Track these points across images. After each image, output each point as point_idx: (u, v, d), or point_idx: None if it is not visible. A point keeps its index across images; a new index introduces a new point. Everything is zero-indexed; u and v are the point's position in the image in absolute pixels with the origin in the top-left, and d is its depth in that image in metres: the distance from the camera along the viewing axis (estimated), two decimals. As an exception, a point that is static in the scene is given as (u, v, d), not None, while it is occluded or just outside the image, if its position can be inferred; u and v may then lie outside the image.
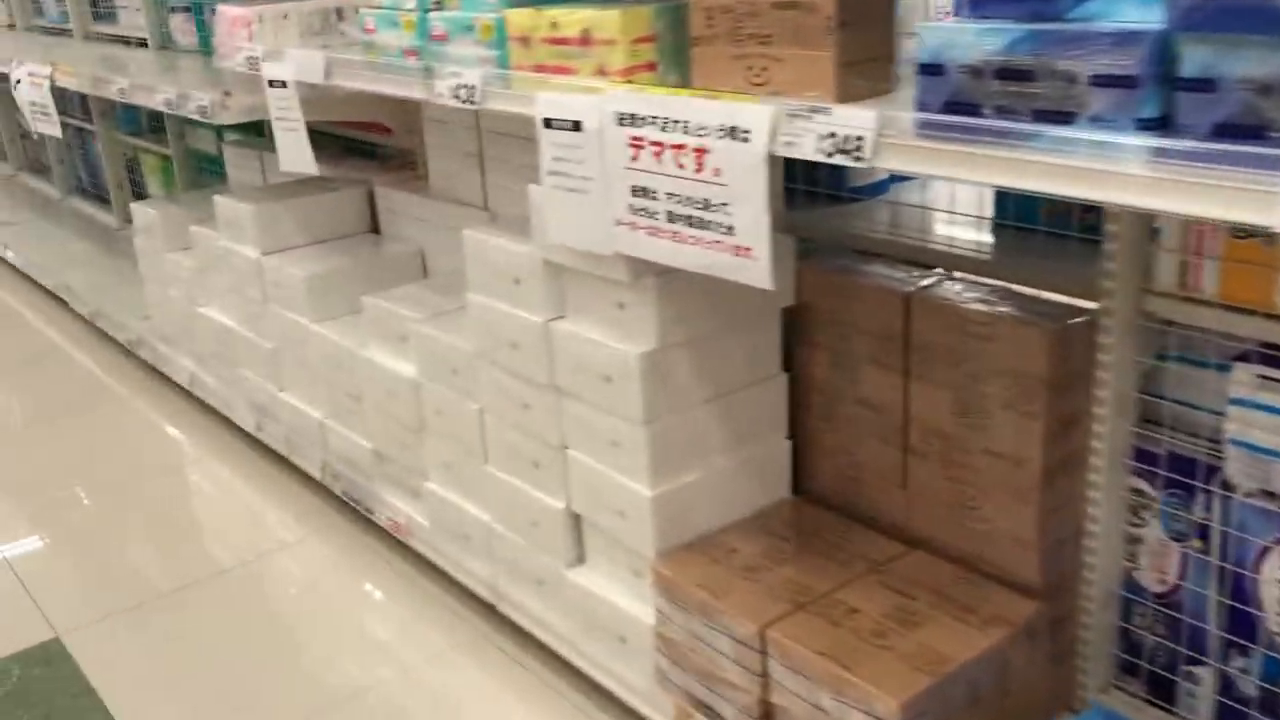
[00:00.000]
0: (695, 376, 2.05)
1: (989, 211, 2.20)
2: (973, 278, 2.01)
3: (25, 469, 3.60)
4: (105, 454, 3.65)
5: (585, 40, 1.81)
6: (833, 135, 1.42)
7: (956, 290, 1.94)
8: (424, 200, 3.09)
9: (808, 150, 1.45)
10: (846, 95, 1.59)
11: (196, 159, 4.95)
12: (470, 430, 2.47)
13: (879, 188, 2.44)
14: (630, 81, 1.78)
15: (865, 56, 1.64)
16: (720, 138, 1.56)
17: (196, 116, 3.07)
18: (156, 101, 3.28)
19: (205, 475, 3.46)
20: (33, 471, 3.57)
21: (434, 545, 2.73)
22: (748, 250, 1.57)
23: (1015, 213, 2.12)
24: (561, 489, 2.26)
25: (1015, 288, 1.94)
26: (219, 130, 4.61)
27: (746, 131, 1.52)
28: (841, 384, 2.12)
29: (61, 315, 4.96)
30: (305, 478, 3.26)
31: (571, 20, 1.82)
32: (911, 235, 2.18)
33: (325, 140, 3.32)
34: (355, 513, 3.04)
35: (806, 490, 2.26)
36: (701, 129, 1.58)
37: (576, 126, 1.79)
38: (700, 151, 1.59)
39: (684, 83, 1.78)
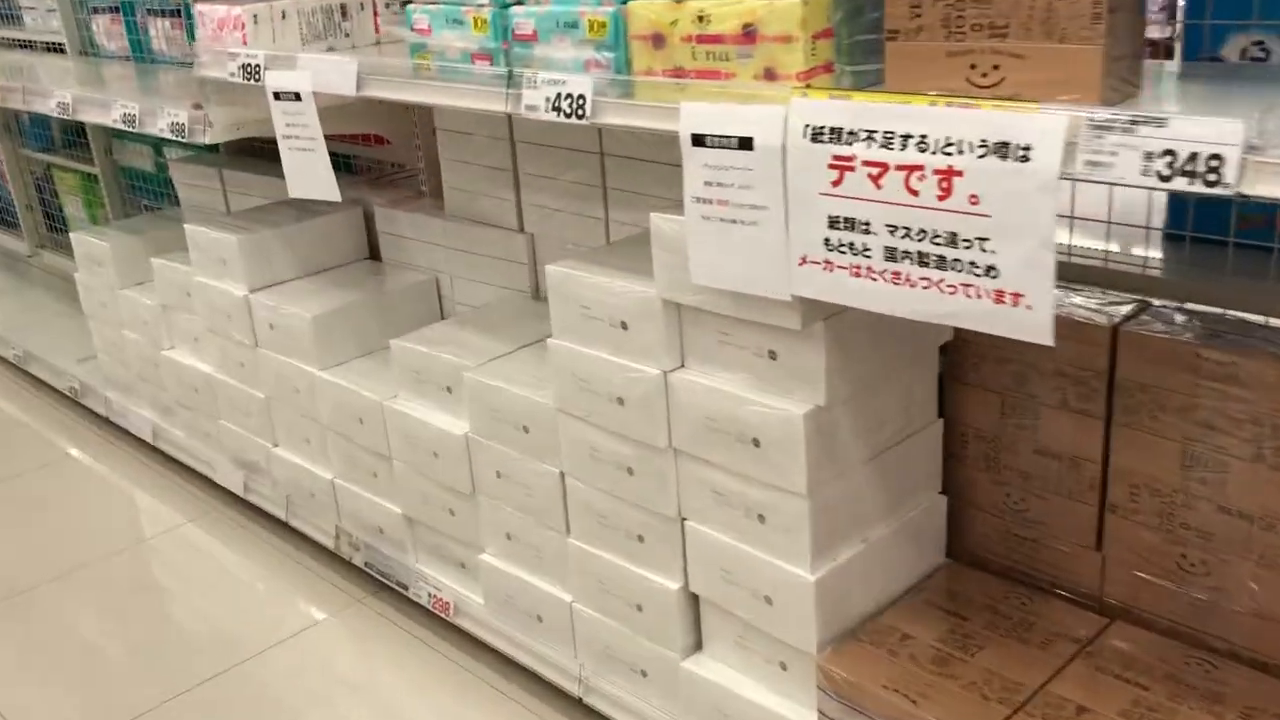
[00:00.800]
0: (855, 433, 1.72)
1: (1145, 219, 1.92)
2: (1174, 303, 1.73)
3: (-35, 548, 3.10)
4: (60, 527, 3.16)
5: (748, 37, 1.47)
6: (1170, 154, 1.11)
7: (1172, 320, 1.65)
8: (439, 222, 2.70)
9: (1128, 173, 1.13)
10: (1109, 98, 1.29)
11: (127, 177, 4.43)
12: (546, 497, 2.11)
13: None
14: (809, 87, 1.45)
15: (1129, 51, 1.34)
16: (981, 156, 1.23)
17: (169, 136, 2.62)
18: (112, 118, 2.81)
19: (187, 547, 3.01)
20: (-25, 551, 3.07)
21: (492, 626, 2.35)
22: (1018, 296, 1.25)
23: (1195, 222, 1.84)
24: (677, 567, 1.92)
25: (1239, 315, 1.67)
26: (157, 144, 4.12)
27: (1025, 148, 1.20)
28: (1013, 431, 1.82)
29: (-22, 358, 4.40)
30: (314, 546, 2.84)
31: (729, 12, 1.48)
32: (1079, 253, 1.89)
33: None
34: (381, 586, 2.64)
35: (960, 552, 1.95)
36: (951, 145, 1.26)
37: (745, 144, 1.45)
38: (948, 173, 1.26)
39: (867, 87, 1.45)
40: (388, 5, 2.46)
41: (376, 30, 2.46)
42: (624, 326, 1.83)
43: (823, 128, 1.36)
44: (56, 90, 3.09)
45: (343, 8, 2.40)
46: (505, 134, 2.49)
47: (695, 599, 1.94)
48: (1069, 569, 1.82)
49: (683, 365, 1.80)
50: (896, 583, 1.86)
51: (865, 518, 1.78)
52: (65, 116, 3.03)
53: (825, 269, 1.42)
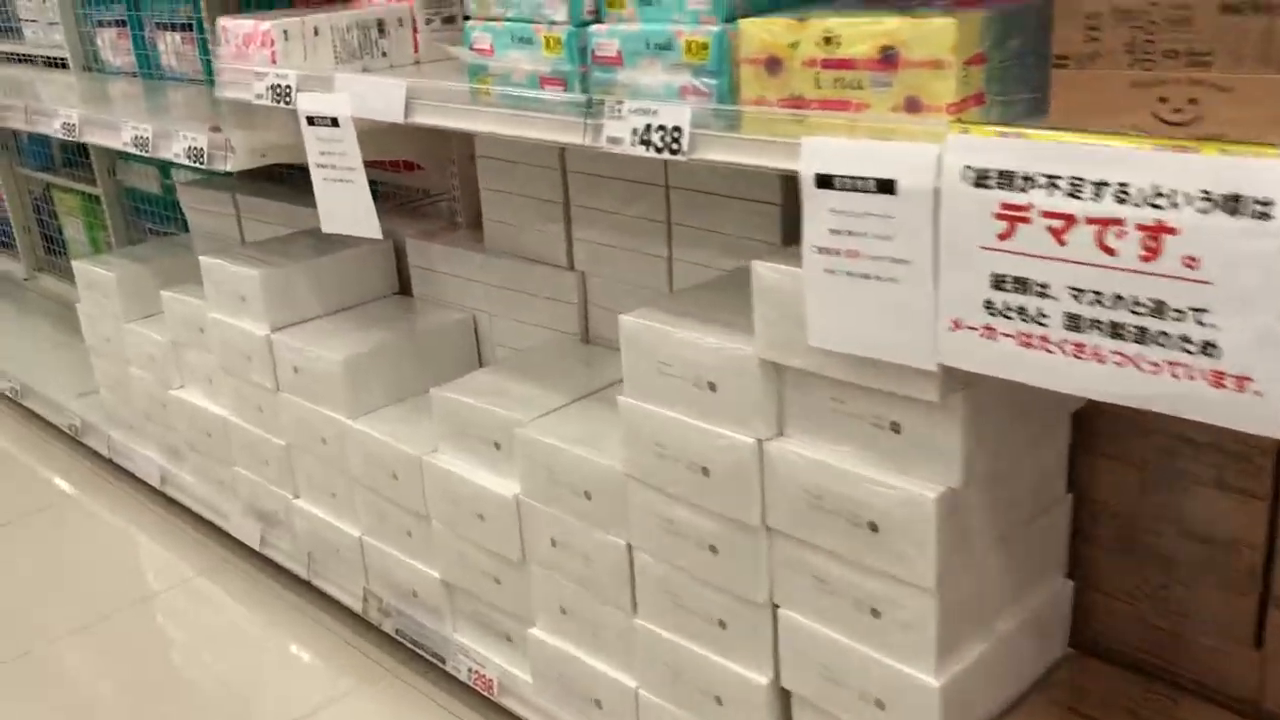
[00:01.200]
0: (986, 516, 1.50)
1: None
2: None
3: (-44, 603, 2.86)
4: (61, 579, 2.93)
5: (887, 62, 1.26)
6: None
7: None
8: (478, 256, 2.48)
9: None
10: (1337, 140, 1.08)
11: (131, 199, 4.21)
12: (610, 570, 1.89)
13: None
14: (960, 120, 1.24)
15: (1358, 81, 1.13)
16: (1203, 211, 1.02)
17: (186, 161, 2.40)
18: (122, 141, 2.59)
19: (199, 604, 2.77)
20: (-34, 606, 2.84)
21: (541, 709, 2.12)
22: (1243, 381, 1.03)
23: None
24: (765, 659, 1.69)
25: None
26: (164, 165, 3.90)
27: (1265, 203, 0.98)
28: (1156, 509, 1.60)
29: (-29, 389, 4.17)
30: (339, 609, 2.60)
31: (864, 33, 1.26)
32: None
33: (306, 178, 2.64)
34: (414, 656, 2.41)
35: (1084, 641, 1.73)
36: (1162, 196, 1.04)
37: (885, 187, 1.23)
38: (1156, 230, 1.05)
39: (1020, 120, 1.24)
40: (428, 22, 2.25)
41: (415, 49, 2.25)
42: (711, 387, 1.61)
43: (988, 170, 1.15)
44: (61, 109, 2.87)
45: (380, 24, 2.19)
46: (556, 163, 2.27)
47: (785, 694, 1.72)
48: (1220, 668, 1.60)
49: (781, 433, 1.58)
50: (1021, 680, 1.64)
51: (991, 609, 1.56)
52: (71, 138, 2.81)
53: (985, 336, 1.20)
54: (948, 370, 1.30)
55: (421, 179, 2.94)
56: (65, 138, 2.84)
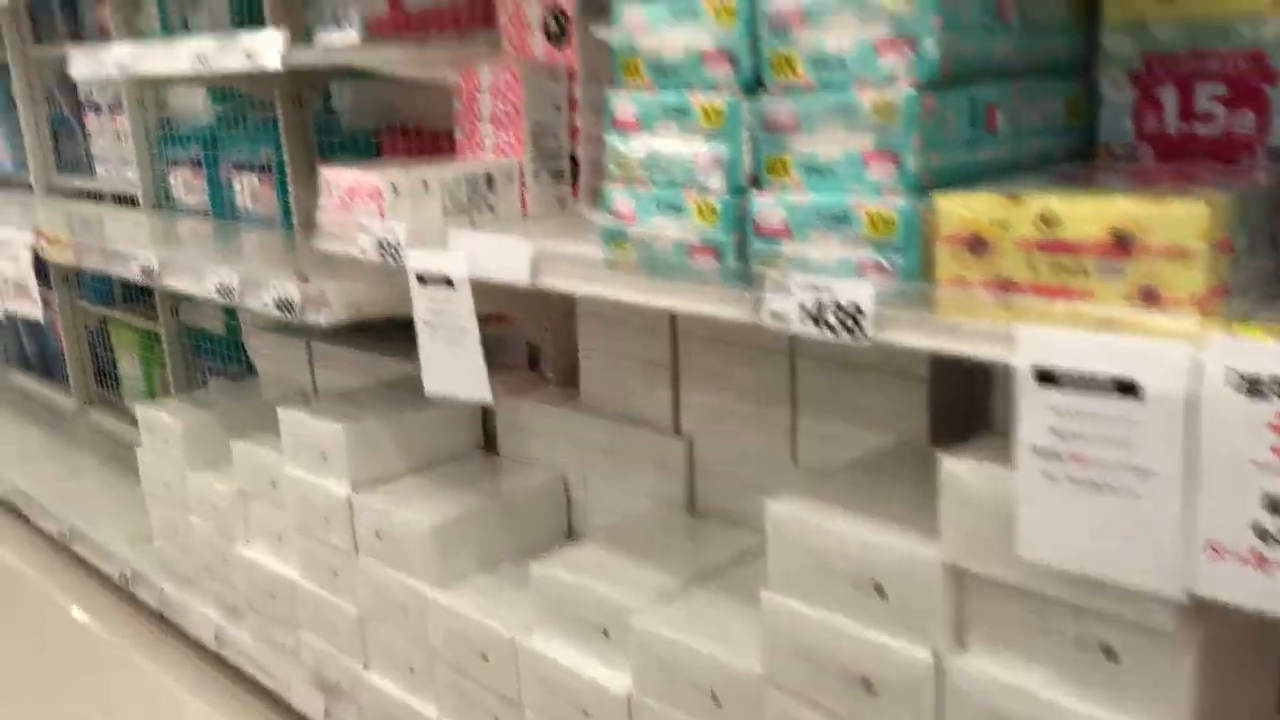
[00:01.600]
0: (1206, 753, 1.31)
1: None
2: None
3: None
4: (102, 746, 2.73)
5: (1121, 248, 1.12)
6: None
7: None
8: (574, 415, 2.33)
9: None
10: None
11: (191, 338, 4.13)
12: (740, 784, 1.68)
13: None
14: (1207, 314, 1.09)
15: None
16: None
17: (275, 313, 2.29)
18: (205, 288, 2.50)
19: (250, 781, 2.57)
20: (3, 777, 2.63)
21: None
22: None
23: None
24: None
25: None
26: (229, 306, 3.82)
27: None
28: (1391, 745, 1.40)
29: (14, 530, 4.02)
30: (408, 797, 2.39)
31: (1092, 214, 1.13)
32: None
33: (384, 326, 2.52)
34: None
35: None
36: None
37: (1126, 389, 1.08)
38: None
39: (1263, 312, 1.10)
40: (537, 176, 2.16)
41: (524, 204, 2.15)
42: (879, 590, 1.43)
43: (1262, 377, 1.00)
44: (140, 252, 2.79)
45: (489, 178, 2.10)
46: (665, 321, 2.15)
47: None
48: None
49: (961, 647, 1.40)
50: None
51: None
52: (150, 284, 2.72)
53: (1254, 566, 1.04)
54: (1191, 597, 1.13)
55: (507, 329, 2.82)
56: (144, 283, 2.75)
